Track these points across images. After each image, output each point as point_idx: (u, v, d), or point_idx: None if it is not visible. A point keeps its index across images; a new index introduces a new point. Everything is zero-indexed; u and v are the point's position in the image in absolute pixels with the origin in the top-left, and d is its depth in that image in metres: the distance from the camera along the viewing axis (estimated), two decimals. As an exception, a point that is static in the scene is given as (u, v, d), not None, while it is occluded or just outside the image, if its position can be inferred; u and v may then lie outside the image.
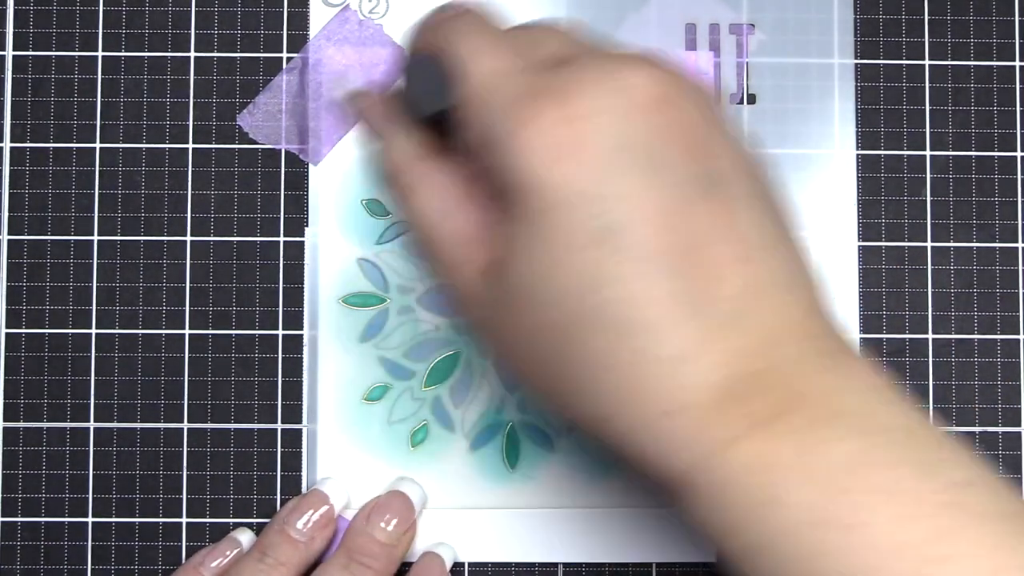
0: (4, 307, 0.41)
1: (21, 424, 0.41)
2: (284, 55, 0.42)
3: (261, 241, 0.42)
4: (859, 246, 0.42)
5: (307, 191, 0.42)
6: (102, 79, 0.42)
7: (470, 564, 0.41)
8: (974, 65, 0.43)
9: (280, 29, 0.42)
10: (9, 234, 0.42)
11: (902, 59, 0.43)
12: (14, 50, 0.42)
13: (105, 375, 0.41)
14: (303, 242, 0.42)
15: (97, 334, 0.41)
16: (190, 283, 0.41)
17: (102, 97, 0.42)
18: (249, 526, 0.41)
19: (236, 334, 0.41)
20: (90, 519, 0.41)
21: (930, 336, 0.42)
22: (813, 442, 0.25)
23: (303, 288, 0.42)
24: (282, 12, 0.42)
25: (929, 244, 0.42)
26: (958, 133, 0.42)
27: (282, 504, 0.41)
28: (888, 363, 0.42)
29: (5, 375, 0.41)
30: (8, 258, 0.42)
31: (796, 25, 0.42)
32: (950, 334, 0.42)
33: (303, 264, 0.42)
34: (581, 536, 0.41)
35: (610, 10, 0.42)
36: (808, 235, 0.42)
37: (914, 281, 0.42)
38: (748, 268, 0.27)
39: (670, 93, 0.27)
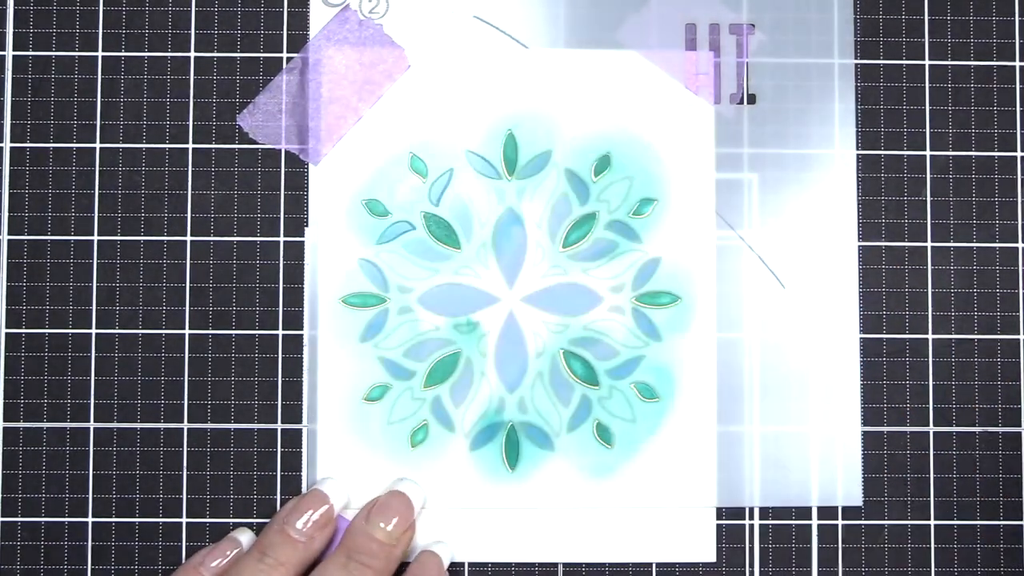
0: (4, 307, 0.41)
1: (21, 424, 0.41)
2: (284, 55, 0.42)
3: (261, 241, 0.42)
4: (859, 246, 0.42)
5: (307, 191, 0.42)
6: (102, 79, 0.42)
7: (470, 564, 0.41)
8: (974, 65, 0.43)
9: (280, 29, 0.42)
10: (9, 234, 0.42)
11: (902, 59, 0.43)
12: (14, 50, 0.42)
13: (105, 375, 0.41)
14: (303, 242, 0.42)
15: (97, 334, 0.41)
16: (190, 283, 0.42)
17: (102, 97, 0.42)
18: (249, 526, 0.41)
19: (236, 334, 0.41)
20: (90, 519, 0.41)
21: (930, 336, 0.42)
22: None
23: (303, 288, 0.42)
24: (282, 12, 0.42)
25: (929, 244, 0.42)
26: (958, 133, 0.42)
27: (282, 504, 0.41)
28: (888, 363, 0.42)
29: (5, 375, 0.41)
30: (8, 258, 0.42)
31: (796, 25, 0.42)
32: (950, 334, 0.42)
33: (303, 264, 0.42)
34: (581, 536, 0.41)
35: (610, 10, 0.42)
36: (808, 235, 0.42)
37: (914, 281, 0.42)
38: None
39: None
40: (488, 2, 0.42)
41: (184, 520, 0.41)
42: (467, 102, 0.42)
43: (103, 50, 0.42)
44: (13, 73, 0.42)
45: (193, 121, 0.42)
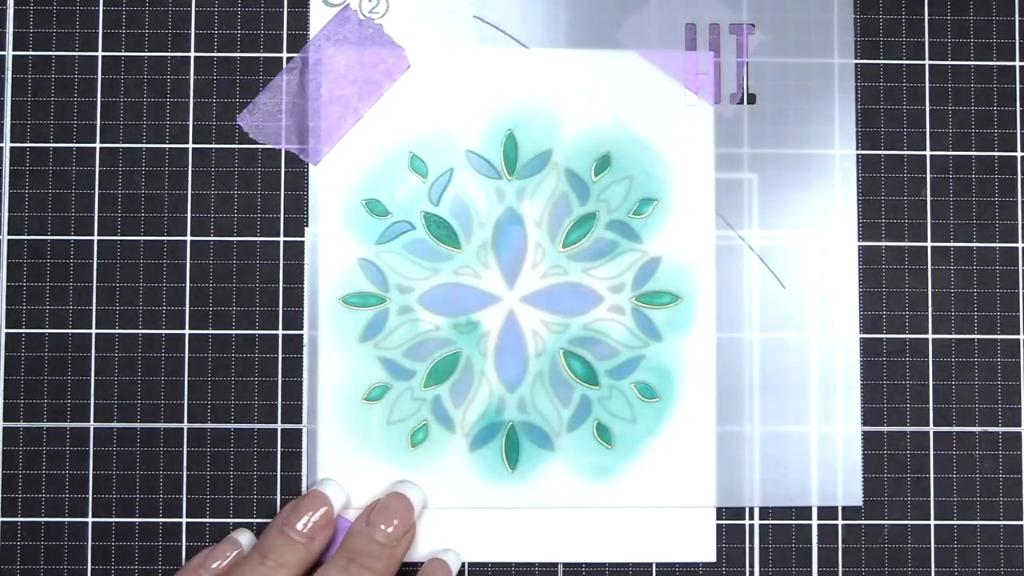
0: (4, 307, 0.41)
1: (21, 424, 0.41)
2: (284, 55, 0.42)
3: (261, 241, 0.42)
4: (859, 246, 0.42)
5: (307, 191, 0.42)
6: (102, 79, 0.42)
7: (470, 564, 0.41)
8: (974, 65, 0.43)
9: (280, 29, 0.42)
10: (9, 234, 0.42)
11: (902, 59, 0.43)
12: (14, 50, 0.42)
13: (105, 375, 0.41)
14: (303, 242, 0.42)
15: (97, 334, 0.41)
16: (190, 283, 0.41)
17: (102, 97, 0.42)
18: (249, 526, 0.41)
19: (236, 334, 0.41)
20: (90, 519, 0.41)
21: (930, 336, 0.42)
22: None
23: (303, 288, 0.42)
24: (282, 12, 0.42)
25: (929, 244, 0.42)
26: (958, 133, 0.43)
27: (282, 504, 0.41)
28: (888, 363, 0.42)
29: (5, 375, 0.41)
30: (8, 258, 0.42)
31: (796, 25, 0.42)
32: (950, 334, 0.42)
33: (303, 264, 0.42)
34: (581, 536, 0.41)
35: (610, 10, 0.42)
36: (808, 235, 0.42)
37: (914, 281, 0.42)
38: None
39: None
40: (488, 2, 0.42)
41: (184, 520, 0.41)
42: (467, 102, 0.42)
43: (103, 50, 0.42)
44: (13, 73, 0.42)
45: (193, 121, 0.42)
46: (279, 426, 0.41)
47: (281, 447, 0.41)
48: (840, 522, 0.42)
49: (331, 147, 0.42)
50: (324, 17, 0.42)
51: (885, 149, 0.42)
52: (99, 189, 0.42)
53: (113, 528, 0.41)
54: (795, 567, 0.41)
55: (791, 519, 0.42)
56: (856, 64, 0.42)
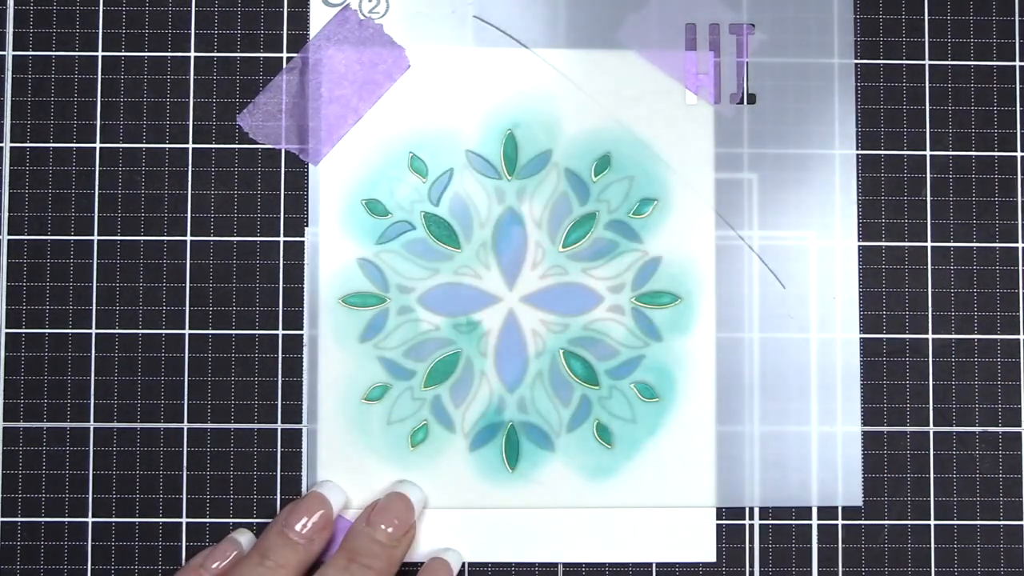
0: (4, 307, 0.41)
1: (21, 424, 0.41)
2: (284, 55, 0.42)
3: (261, 241, 0.42)
4: (859, 246, 0.42)
5: (307, 191, 0.42)
6: (102, 79, 0.42)
7: (470, 564, 0.41)
8: (974, 65, 0.43)
9: (280, 29, 0.42)
10: (9, 234, 0.42)
11: (902, 59, 0.43)
12: (14, 50, 0.42)
13: (105, 375, 0.41)
14: (303, 242, 0.42)
15: (97, 334, 0.41)
16: (190, 283, 0.42)
17: (102, 97, 0.42)
18: (249, 526, 0.41)
19: (236, 334, 0.41)
20: (90, 519, 0.41)
21: (930, 336, 0.42)
22: None
23: (303, 288, 0.42)
24: (282, 12, 0.42)
25: (929, 244, 0.42)
26: (958, 133, 0.43)
27: (282, 504, 0.41)
28: (888, 363, 0.42)
29: (5, 375, 0.41)
30: (8, 258, 0.42)
31: (796, 25, 0.42)
32: (950, 334, 0.42)
33: (303, 264, 0.42)
34: (581, 536, 0.41)
35: (610, 10, 0.42)
36: (808, 235, 0.42)
37: (914, 281, 0.42)
38: None
39: None
40: (488, 2, 0.42)
41: (184, 520, 0.41)
42: (467, 102, 0.42)
43: (103, 50, 0.42)
44: (13, 73, 0.42)
45: (193, 121, 0.42)
46: (279, 426, 0.41)
47: (281, 447, 0.41)
48: (840, 522, 0.42)
49: (331, 147, 0.42)
50: (324, 17, 0.42)
51: (885, 149, 0.42)
52: (99, 189, 0.42)
53: (113, 528, 0.41)
54: (795, 567, 0.41)
55: (791, 519, 0.42)
56: (856, 64, 0.42)
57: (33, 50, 0.42)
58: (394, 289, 0.42)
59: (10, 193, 0.42)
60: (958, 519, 0.42)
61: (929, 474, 0.42)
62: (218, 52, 0.42)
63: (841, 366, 0.42)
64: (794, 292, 0.42)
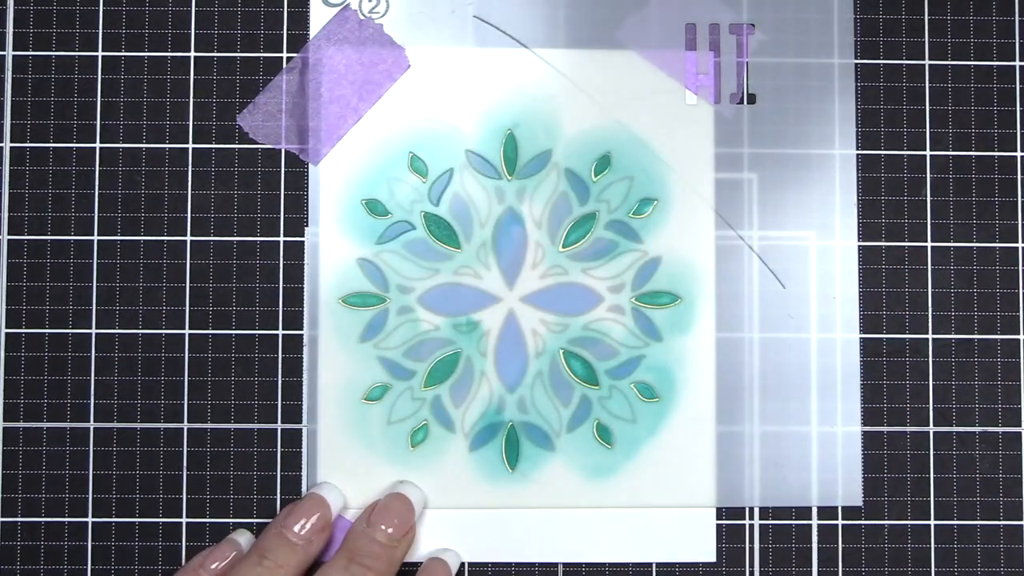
0: (4, 307, 0.41)
1: (21, 424, 0.41)
2: (284, 55, 0.42)
3: (261, 241, 0.42)
4: (859, 246, 0.42)
5: (307, 191, 0.42)
6: (102, 79, 0.42)
7: (470, 564, 0.41)
8: (974, 65, 0.43)
9: (280, 29, 0.42)
10: (9, 234, 0.42)
11: (902, 59, 0.43)
12: (14, 50, 0.42)
13: (105, 375, 0.41)
14: (303, 242, 0.42)
15: (97, 334, 0.41)
16: (190, 283, 0.42)
17: (102, 97, 0.42)
18: (249, 527, 0.41)
19: (236, 334, 0.41)
20: (90, 519, 0.41)
21: (930, 336, 0.42)
22: None
23: (303, 288, 0.42)
24: (282, 12, 0.42)
25: (929, 244, 0.42)
26: (958, 133, 0.43)
27: (282, 505, 0.41)
28: (888, 363, 0.42)
29: (5, 375, 0.41)
30: (8, 258, 0.42)
31: (796, 25, 0.42)
32: (950, 334, 0.42)
33: (303, 264, 0.42)
34: (581, 536, 0.41)
35: (610, 10, 0.42)
36: (808, 235, 0.42)
37: (914, 281, 0.42)
38: None
39: None
40: (488, 2, 0.42)
41: (184, 520, 0.41)
42: (467, 102, 0.42)
43: (103, 50, 0.42)
44: (13, 73, 0.42)
45: (193, 121, 0.42)
46: (279, 426, 0.41)
47: (281, 447, 0.41)
48: (840, 522, 0.42)
49: (331, 147, 0.42)
50: (324, 17, 0.42)
51: (885, 149, 0.42)
52: (99, 189, 0.42)
53: (113, 528, 0.41)
54: (795, 567, 0.41)
55: (791, 519, 0.42)
56: (856, 64, 0.42)
57: (33, 50, 0.42)
58: (394, 289, 0.42)
59: (10, 193, 0.42)
60: (958, 519, 0.42)
61: (929, 474, 0.42)
62: (218, 52, 0.42)
63: (841, 366, 0.42)
64: (794, 292, 0.42)
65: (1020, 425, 0.42)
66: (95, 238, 0.42)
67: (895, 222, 0.42)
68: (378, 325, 0.41)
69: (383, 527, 0.39)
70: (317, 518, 0.39)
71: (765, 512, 0.41)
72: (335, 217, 0.42)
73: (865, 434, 0.42)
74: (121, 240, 0.42)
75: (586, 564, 0.41)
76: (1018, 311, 0.42)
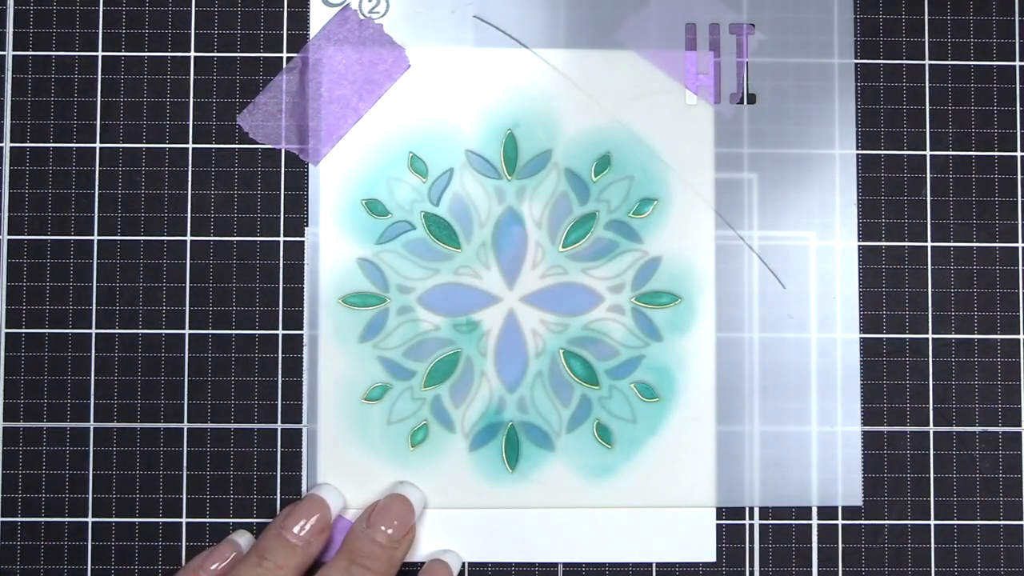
0: (4, 307, 0.41)
1: (21, 424, 0.41)
2: (284, 55, 0.42)
3: (261, 241, 0.42)
4: (859, 246, 0.42)
5: (307, 191, 0.42)
6: (102, 79, 0.42)
7: (470, 564, 0.41)
8: (974, 65, 0.43)
9: (280, 29, 0.42)
10: (9, 234, 0.42)
11: (902, 59, 0.43)
12: (14, 50, 0.42)
13: (105, 375, 0.41)
14: (303, 242, 0.42)
15: (97, 334, 0.41)
16: (190, 283, 0.42)
17: (102, 97, 0.42)
18: (249, 527, 0.41)
19: (236, 334, 0.41)
20: (90, 519, 0.41)
21: (930, 336, 0.42)
22: None
23: (303, 288, 0.42)
24: (282, 12, 0.42)
25: (929, 244, 0.42)
26: (958, 133, 0.43)
27: (282, 505, 0.41)
28: (888, 363, 0.42)
29: (5, 375, 0.41)
30: (8, 258, 0.42)
31: (796, 25, 0.42)
32: (950, 334, 0.42)
33: (303, 264, 0.42)
34: (581, 536, 0.41)
35: (610, 10, 0.42)
36: (808, 235, 0.42)
37: (914, 281, 0.42)
38: None
39: None
40: (488, 2, 0.42)
41: (184, 520, 0.41)
42: (467, 102, 0.42)
43: (103, 50, 0.42)
44: (13, 73, 0.42)
45: (193, 121, 0.42)
46: (279, 426, 0.41)
47: (281, 447, 0.41)
48: (840, 522, 0.42)
49: (331, 147, 0.42)
50: (324, 17, 0.42)
51: (885, 149, 0.42)
52: (99, 189, 0.42)
53: (113, 528, 0.41)
54: (795, 567, 0.41)
55: (791, 519, 0.42)
56: (856, 64, 0.42)
57: (33, 50, 0.42)
58: (394, 289, 0.42)
59: (10, 193, 0.42)
60: (958, 519, 0.42)
61: (929, 474, 0.42)
62: (218, 52, 0.42)
63: (841, 366, 0.42)
64: (794, 292, 0.42)
65: (1020, 425, 0.42)
66: (95, 238, 0.42)
67: (895, 222, 0.42)
68: (378, 325, 0.41)
69: (383, 528, 0.39)
70: (316, 519, 0.39)
71: (765, 512, 0.41)
72: (335, 217, 0.42)
73: (865, 434, 0.42)
74: (121, 240, 0.42)
75: (586, 564, 0.41)
76: (1018, 311, 0.42)
